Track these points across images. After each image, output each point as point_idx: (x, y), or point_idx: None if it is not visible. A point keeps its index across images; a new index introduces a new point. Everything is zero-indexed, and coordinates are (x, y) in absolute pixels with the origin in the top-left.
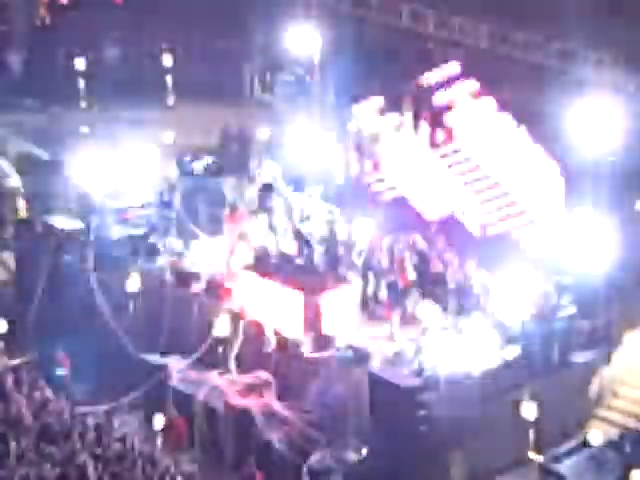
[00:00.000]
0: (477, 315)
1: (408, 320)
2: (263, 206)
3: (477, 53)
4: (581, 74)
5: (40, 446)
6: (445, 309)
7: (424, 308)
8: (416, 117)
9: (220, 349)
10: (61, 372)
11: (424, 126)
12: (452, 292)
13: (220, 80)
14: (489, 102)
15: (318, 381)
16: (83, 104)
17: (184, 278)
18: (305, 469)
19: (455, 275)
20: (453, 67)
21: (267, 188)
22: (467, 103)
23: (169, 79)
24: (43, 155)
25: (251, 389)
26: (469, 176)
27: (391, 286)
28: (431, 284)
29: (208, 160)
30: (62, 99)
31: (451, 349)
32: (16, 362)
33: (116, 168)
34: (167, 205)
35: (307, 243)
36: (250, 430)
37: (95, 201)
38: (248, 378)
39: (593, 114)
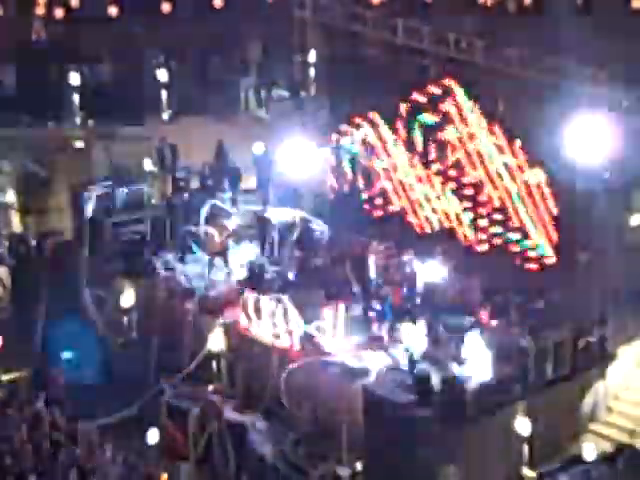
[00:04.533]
0: (470, 331)
1: (400, 336)
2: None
3: (472, 69)
4: (576, 90)
5: (33, 461)
6: (440, 325)
7: (416, 326)
8: (411, 133)
9: (214, 364)
10: (56, 387)
11: (419, 142)
12: (446, 308)
13: (215, 95)
14: (483, 117)
15: (313, 396)
16: (78, 119)
17: (178, 293)
18: None
19: (449, 292)
20: (448, 83)
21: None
22: (462, 119)
23: (164, 94)
24: (38, 170)
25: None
26: (463, 191)
27: (384, 302)
28: (424, 301)
29: (203, 175)
30: (57, 114)
31: (446, 365)
32: (11, 377)
33: (112, 183)
34: (163, 220)
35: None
36: (244, 445)
37: (90, 216)
38: None
39: (588, 130)
